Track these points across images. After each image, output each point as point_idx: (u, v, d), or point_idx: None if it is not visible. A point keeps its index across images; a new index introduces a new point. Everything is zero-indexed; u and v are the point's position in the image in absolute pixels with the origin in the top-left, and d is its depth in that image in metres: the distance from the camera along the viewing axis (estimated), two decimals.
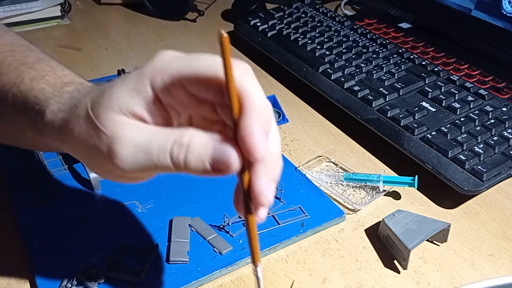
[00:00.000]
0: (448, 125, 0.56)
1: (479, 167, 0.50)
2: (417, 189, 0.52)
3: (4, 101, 0.35)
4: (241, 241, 0.45)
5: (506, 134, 0.55)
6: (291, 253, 0.46)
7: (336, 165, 0.57)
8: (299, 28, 0.77)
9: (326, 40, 0.74)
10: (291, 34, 0.76)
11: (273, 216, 0.48)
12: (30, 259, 0.42)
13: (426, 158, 0.53)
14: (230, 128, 0.27)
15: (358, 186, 0.53)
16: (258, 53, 0.77)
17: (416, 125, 0.56)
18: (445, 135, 0.54)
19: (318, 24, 0.78)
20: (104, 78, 0.69)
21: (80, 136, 0.29)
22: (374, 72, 0.66)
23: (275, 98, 0.65)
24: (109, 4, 0.99)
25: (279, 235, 0.46)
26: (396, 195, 0.53)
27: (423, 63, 0.67)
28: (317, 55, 0.70)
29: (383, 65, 0.67)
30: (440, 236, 0.47)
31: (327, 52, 0.70)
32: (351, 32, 0.76)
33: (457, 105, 0.59)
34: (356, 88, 0.63)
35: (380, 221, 0.47)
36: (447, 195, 0.52)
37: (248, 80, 0.27)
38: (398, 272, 0.44)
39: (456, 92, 0.61)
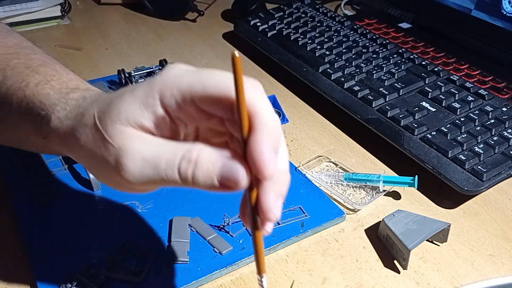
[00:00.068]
0: (448, 125, 0.56)
1: (479, 167, 0.50)
2: (417, 189, 0.52)
3: (8, 105, 0.35)
4: (241, 241, 0.45)
5: (506, 134, 0.55)
6: (291, 253, 0.46)
7: (336, 165, 0.57)
8: (299, 28, 0.77)
9: (326, 40, 0.74)
10: (291, 34, 0.76)
11: None
12: (30, 259, 0.42)
13: (426, 158, 0.53)
14: (238, 140, 0.27)
15: (358, 186, 0.53)
16: (258, 53, 0.77)
17: (416, 125, 0.56)
18: (445, 135, 0.54)
19: (318, 24, 0.78)
20: (104, 78, 0.69)
21: (86, 146, 0.29)
22: (374, 72, 0.66)
23: (275, 98, 0.65)
24: (109, 4, 0.99)
25: (279, 235, 0.46)
26: (396, 195, 0.53)
27: (423, 63, 0.67)
28: (317, 55, 0.70)
29: (383, 65, 0.67)
30: (440, 236, 0.47)
31: (327, 52, 0.70)
32: (351, 32, 0.76)
33: (457, 105, 0.59)
34: (356, 88, 0.63)
35: (380, 221, 0.47)
36: (447, 195, 0.52)
37: (258, 98, 0.27)
38: (398, 272, 0.44)
39: (456, 92, 0.61)
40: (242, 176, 0.26)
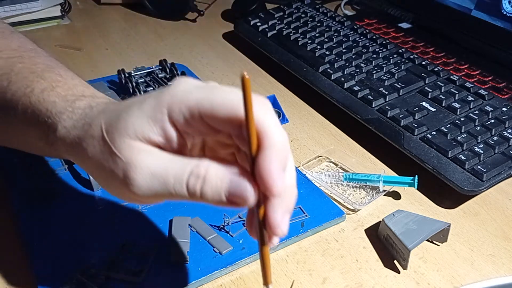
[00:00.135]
0: (448, 125, 0.56)
1: (479, 167, 0.50)
2: (417, 189, 0.52)
3: (14, 110, 0.35)
4: (241, 241, 0.45)
5: (506, 134, 0.55)
6: (291, 253, 0.46)
7: (336, 165, 0.57)
8: (299, 28, 0.77)
9: (326, 40, 0.74)
10: (291, 34, 0.76)
11: None
12: (30, 259, 0.42)
13: (426, 158, 0.53)
14: (245, 153, 0.27)
15: (358, 186, 0.53)
16: (258, 53, 0.77)
17: (416, 125, 0.56)
18: (445, 135, 0.54)
19: (318, 24, 0.78)
20: (104, 78, 0.69)
21: (94, 157, 0.29)
22: (374, 72, 0.66)
23: (275, 98, 0.65)
24: (109, 4, 0.99)
25: None
26: (396, 195, 0.53)
27: (423, 63, 0.67)
28: (317, 55, 0.70)
29: (383, 65, 0.67)
30: (440, 236, 0.47)
31: (327, 52, 0.70)
32: (351, 32, 0.76)
33: (457, 105, 0.59)
34: (356, 88, 0.63)
35: (380, 221, 0.47)
36: (447, 195, 0.52)
37: (267, 117, 0.27)
38: (398, 272, 0.44)
39: (456, 92, 0.61)
40: (250, 193, 0.26)
